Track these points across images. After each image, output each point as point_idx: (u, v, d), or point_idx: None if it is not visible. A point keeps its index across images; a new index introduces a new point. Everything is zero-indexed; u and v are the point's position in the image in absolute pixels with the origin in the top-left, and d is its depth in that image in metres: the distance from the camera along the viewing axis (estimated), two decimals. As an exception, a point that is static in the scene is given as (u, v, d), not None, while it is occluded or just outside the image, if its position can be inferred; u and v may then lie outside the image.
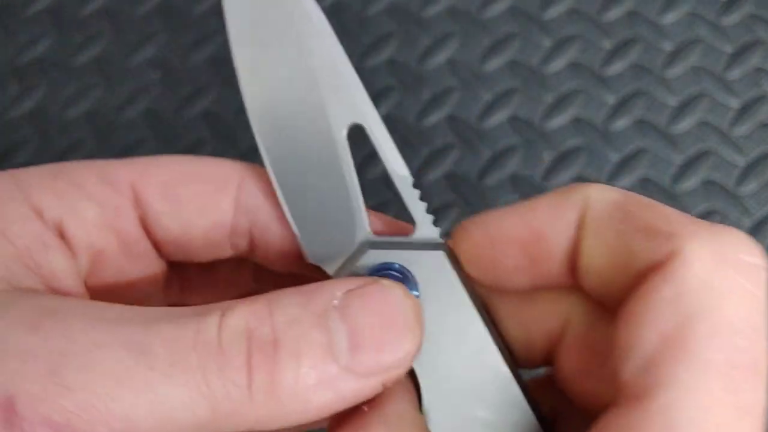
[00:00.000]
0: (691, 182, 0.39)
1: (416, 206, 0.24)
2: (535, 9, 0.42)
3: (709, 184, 0.39)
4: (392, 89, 0.41)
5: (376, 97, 0.41)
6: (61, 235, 0.23)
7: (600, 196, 0.21)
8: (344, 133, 0.24)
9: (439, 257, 0.23)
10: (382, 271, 0.23)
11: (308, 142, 0.24)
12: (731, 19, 0.42)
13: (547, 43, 0.42)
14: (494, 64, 0.41)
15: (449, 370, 0.23)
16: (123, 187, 0.24)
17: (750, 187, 0.39)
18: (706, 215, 0.38)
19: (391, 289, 0.22)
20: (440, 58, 0.41)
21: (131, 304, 0.23)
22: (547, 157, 0.39)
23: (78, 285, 0.23)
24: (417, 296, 0.23)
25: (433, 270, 0.23)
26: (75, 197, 0.24)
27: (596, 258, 0.21)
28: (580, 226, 0.21)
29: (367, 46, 0.42)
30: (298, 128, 0.24)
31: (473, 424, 0.23)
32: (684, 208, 0.38)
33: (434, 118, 0.40)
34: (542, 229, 0.21)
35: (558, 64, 0.41)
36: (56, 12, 0.43)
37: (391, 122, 0.40)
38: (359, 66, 0.41)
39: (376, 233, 0.25)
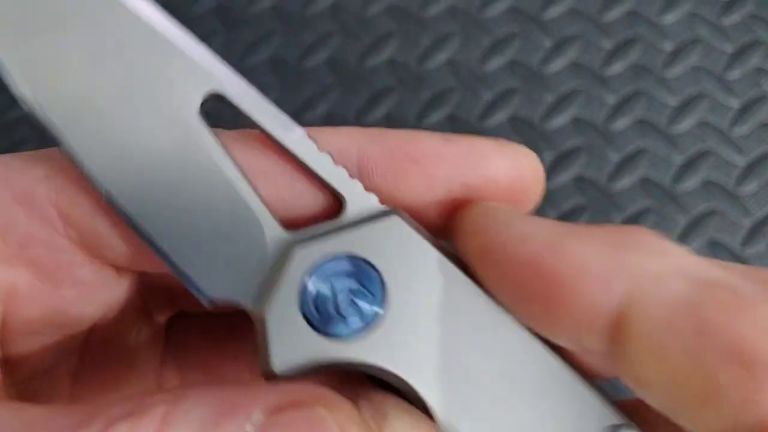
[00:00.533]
0: (691, 182, 0.39)
1: (333, 174, 0.19)
2: (535, 9, 0.42)
3: (709, 184, 0.39)
4: (392, 89, 0.41)
5: (377, 97, 0.41)
6: None
7: (654, 288, 0.14)
8: (196, 110, 0.18)
9: (396, 226, 0.18)
10: (329, 273, 0.18)
11: (147, 143, 0.18)
12: (731, 19, 0.42)
13: (547, 43, 0.42)
14: (494, 64, 0.41)
15: (468, 366, 0.18)
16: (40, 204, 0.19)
17: (750, 187, 0.39)
18: (706, 215, 0.38)
19: (327, 422, 0.16)
20: (440, 58, 0.41)
21: (108, 341, 0.20)
22: (547, 156, 0.39)
23: None
24: (378, 306, 0.18)
25: (392, 247, 0.18)
26: None
27: (652, 376, 0.15)
28: (621, 329, 0.15)
29: (367, 46, 0.42)
30: (127, 131, 0.18)
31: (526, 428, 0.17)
32: (684, 208, 0.39)
33: (434, 118, 0.40)
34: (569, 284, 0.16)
35: (558, 64, 0.41)
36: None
37: (391, 122, 0.40)
38: (360, 66, 0.41)
39: (292, 227, 0.19)
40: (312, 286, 0.18)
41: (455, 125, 0.40)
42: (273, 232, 0.18)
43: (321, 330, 0.18)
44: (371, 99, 0.40)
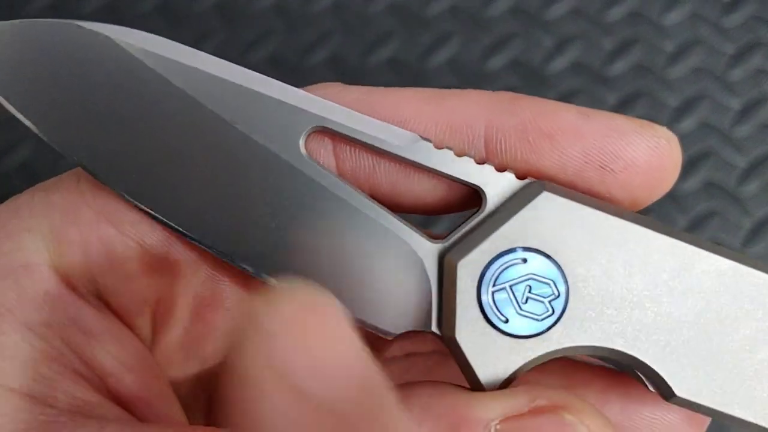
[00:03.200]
0: (691, 183, 0.39)
1: (460, 169, 0.18)
2: (536, 8, 0.42)
3: (709, 185, 0.39)
4: (393, 88, 0.41)
5: (377, 96, 0.41)
6: (102, 299, 0.19)
7: None
8: (300, 151, 0.19)
9: (544, 201, 0.17)
10: (498, 275, 0.17)
11: (266, 205, 0.18)
12: (733, 19, 0.42)
13: (548, 42, 0.42)
14: (496, 63, 0.41)
15: (672, 313, 0.17)
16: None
17: (751, 187, 0.39)
18: (707, 216, 0.38)
19: (578, 428, 0.15)
20: (441, 57, 0.41)
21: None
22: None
23: (139, 369, 0.19)
24: (558, 288, 0.17)
25: (549, 223, 0.17)
26: (106, 242, 0.19)
27: None
28: None
29: (368, 45, 0.42)
30: (242, 200, 0.18)
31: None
32: (685, 209, 0.39)
33: (435, 117, 0.40)
34: None
35: (559, 63, 0.41)
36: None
37: (392, 121, 0.40)
38: (360, 65, 0.41)
39: (439, 238, 0.18)
40: (487, 295, 0.18)
41: (456, 124, 0.40)
42: (424, 248, 0.18)
43: (513, 334, 0.17)
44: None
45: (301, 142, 0.18)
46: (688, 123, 0.40)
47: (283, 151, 0.18)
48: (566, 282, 0.18)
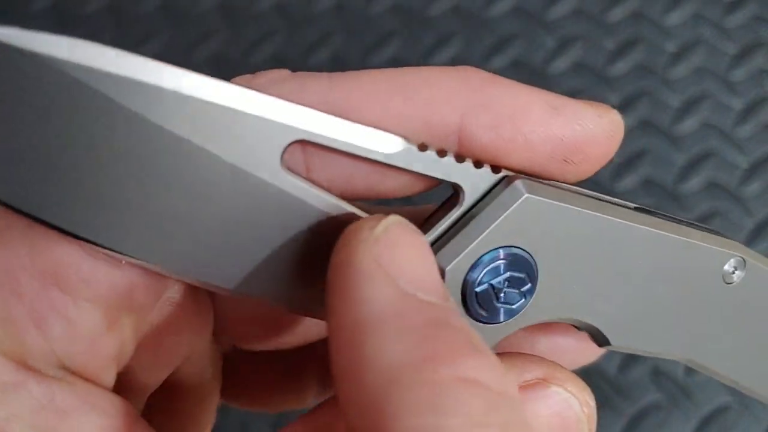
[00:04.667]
0: (693, 183, 0.39)
1: (442, 168, 0.18)
2: (538, 9, 0.42)
3: (711, 185, 0.39)
4: (395, 88, 0.41)
5: (379, 96, 0.41)
6: (65, 368, 0.18)
7: None
8: (280, 164, 0.17)
9: (526, 201, 0.19)
10: (481, 271, 0.19)
11: (248, 229, 0.17)
12: (735, 20, 0.42)
13: (550, 42, 0.42)
14: (497, 63, 0.41)
15: (619, 287, 0.20)
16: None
17: (753, 187, 0.39)
18: (709, 216, 0.38)
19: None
20: (443, 57, 0.41)
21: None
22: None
23: (122, 424, 0.18)
24: (533, 278, 0.19)
25: (521, 218, 0.19)
26: (61, 312, 0.17)
27: None
28: None
29: (370, 45, 0.42)
30: (224, 225, 0.17)
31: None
32: (686, 209, 0.39)
33: (437, 117, 0.40)
34: None
35: (561, 63, 0.41)
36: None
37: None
38: (363, 64, 0.41)
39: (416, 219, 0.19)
40: (471, 296, 0.19)
41: (458, 124, 0.40)
42: None
43: (491, 322, 0.19)
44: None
45: (279, 158, 0.17)
46: (690, 123, 0.40)
47: (260, 168, 0.17)
48: (537, 270, 0.19)
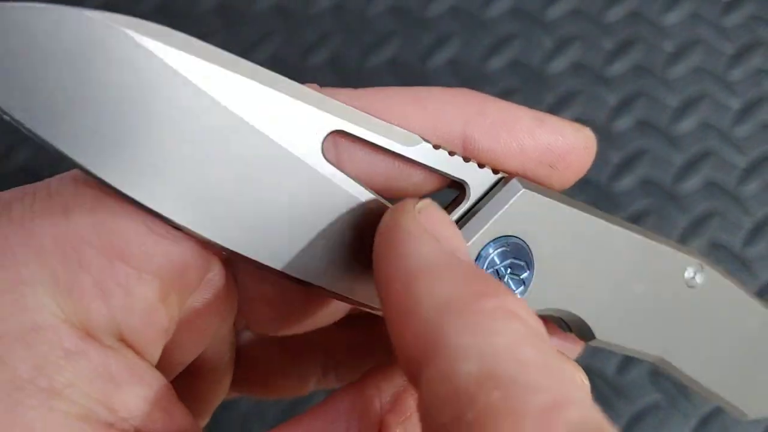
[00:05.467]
0: (692, 182, 0.39)
1: (452, 166, 0.21)
2: (536, 9, 0.42)
3: (710, 185, 0.39)
4: (393, 89, 0.41)
5: (378, 97, 0.41)
6: (122, 339, 0.19)
7: None
8: (319, 155, 0.19)
9: (515, 192, 0.21)
10: (487, 258, 0.21)
11: (289, 211, 0.19)
12: (732, 19, 0.42)
13: (548, 43, 0.42)
14: (496, 63, 0.41)
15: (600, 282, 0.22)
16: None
17: (751, 187, 0.39)
18: (707, 216, 0.38)
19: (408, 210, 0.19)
20: (442, 57, 0.41)
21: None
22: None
23: (164, 401, 0.19)
24: (531, 268, 0.22)
25: (522, 212, 0.21)
26: (124, 284, 0.19)
27: None
28: None
29: (368, 46, 0.42)
30: (264, 204, 0.19)
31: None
32: (685, 209, 0.39)
33: (435, 117, 0.40)
34: None
35: (559, 64, 0.41)
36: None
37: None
38: (361, 65, 0.41)
39: None
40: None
41: (456, 125, 0.40)
42: None
43: None
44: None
45: (320, 146, 0.19)
46: (688, 123, 0.40)
47: (304, 153, 0.19)
48: (533, 260, 0.22)
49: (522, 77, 0.41)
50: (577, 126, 0.23)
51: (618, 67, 0.41)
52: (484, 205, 0.21)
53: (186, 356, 0.22)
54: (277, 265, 0.19)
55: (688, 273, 0.24)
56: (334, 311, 0.24)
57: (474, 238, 0.21)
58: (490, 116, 0.22)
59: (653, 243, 0.23)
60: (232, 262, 0.21)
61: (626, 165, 0.39)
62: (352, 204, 0.20)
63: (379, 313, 0.20)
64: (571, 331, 0.24)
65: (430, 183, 0.22)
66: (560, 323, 0.24)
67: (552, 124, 0.22)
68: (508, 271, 0.21)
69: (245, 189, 0.19)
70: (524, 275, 0.21)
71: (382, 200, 0.21)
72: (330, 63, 0.41)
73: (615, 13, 0.42)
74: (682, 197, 0.39)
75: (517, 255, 0.21)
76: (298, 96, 0.19)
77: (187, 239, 0.19)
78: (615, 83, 0.41)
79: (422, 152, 0.21)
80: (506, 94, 0.41)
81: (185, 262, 0.19)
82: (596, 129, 0.40)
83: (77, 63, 0.17)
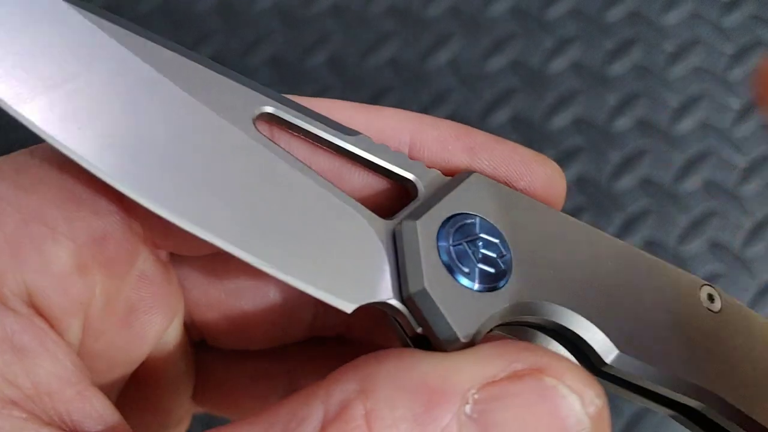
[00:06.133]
0: (691, 182, 0.39)
1: (396, 160, 0.20)
2: (536, 9, 0.42)
3: (710, 185, 0.39)
4: (393, 89, 0.41)
5: (378, 97, 0.41)
6: (32, 306, 0.18)
7: None
8: (251, 126, 0.18)
9: (479, 180, 0.19)
10: (452, 233, 0.18)
11: (216, 172, 0.18)
12: (732, 19, 0.42)
13: (548, 43, 0.42)
14: (495, 63, 0.41)
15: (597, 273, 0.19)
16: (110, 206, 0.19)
17: (751, 187, 0.39)
18: (707, 216, 0.38)
19: (560, 391, 0.14)
20: (441, 57, 0.41)
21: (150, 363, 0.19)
22: (548, 156, 0.39)
23: (76, 381, 0.17)
24: (507, 249, 0.19)
25: (486, 198, 0.19)
26: (37, 242, 0.18)
27: None
28: None
29: (368, 46, 0.42)
30: (191, 166, 0.18)
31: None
32: (684, 209, 0.39)
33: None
34: None
35: (559, 64, 0.41)
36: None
37: (392, 122, 0.40)
38: (360, 65, 0.41)
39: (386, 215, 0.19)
40: (448, 251, 0.18)
41: (456, 125, 0.40)
42: (375, 223, 0.18)
43: (475, 288, 0.18)
44: (372, 98, 0.40)
45: (252, 121, 0.18)
46: (688, 123, 0.40)
47: (236, 122, 0.18)
48: (508, 244, 0.19)
49: (522, 77, 0.41)
50: (542, 158, 0.21)
51: (618, 67, 0.41)
52: (437, 194, 0.19)
53: (128, 356, 0.21)
54: (196, 224, 0.18)
55: (703, 295, 0.21)
56: (294, 328, 0.23)
57: (431, 210, 0.18)
58: (441, 127, 0.20)
59: (659, 261, 0.21)
60: (175, 262, 0.21)
61: (626, 165, 0.39)
62: (287, 172, 0.18)
63: (293, 284, 0.18)
64: (575, 356, 0.20)
65: (374, 185, 0.20)
66: (565, 344, 0.20)
67: (509, 144, 0.20)
68: (481, 245, 0.18)
69: (172, 147, 0.18)
70: (502, 255, 0.19)
71: (318, 176, 0.19)
72: (330, 63, 0.41)
73: (615, 13, 0.42)
74: (682, 197, 0.39)
75: (487, 231, 0.19)
76: (227, 74, 0.19)
77: (111, 213, 0.18)
78: (615, 83, 0.41)
79: (363, 144, 0.19)
80: (506, 94, 0.41)
81: (105, 233, 0.18)
82: (596, 129, 0.40)
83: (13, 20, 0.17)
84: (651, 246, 0.38)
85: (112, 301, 0.19)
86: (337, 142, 0.19)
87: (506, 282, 0.18)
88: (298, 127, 0.19)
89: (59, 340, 0.18)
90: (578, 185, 0.39)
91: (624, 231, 0.38)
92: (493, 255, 0.19)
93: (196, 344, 0.24)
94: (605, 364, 0.19)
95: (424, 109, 0.40)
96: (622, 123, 0.40)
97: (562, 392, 0.15)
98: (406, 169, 0.19)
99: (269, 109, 0.19)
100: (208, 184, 0.18)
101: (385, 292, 0.18)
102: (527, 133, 0.40)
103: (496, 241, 0.19)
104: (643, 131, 0.40)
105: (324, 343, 0.24)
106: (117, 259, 0.19)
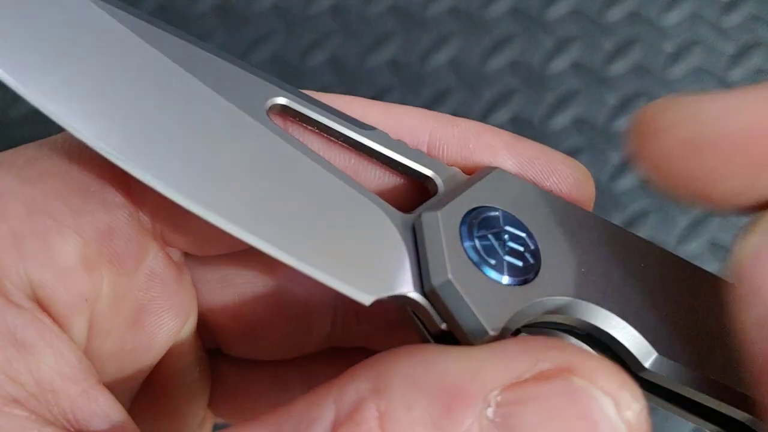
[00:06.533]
0: (692, 183, 0.39)
1: (415, 157, 0.19)
2: (536, 9, 0.42)
3: (710, 185, 0.39)
4: (393, 89, 0.41)
5: (377, 97, 0.41)
6: (36, 300, 0.17)
7: None
8: (264, 115, 0.18)
9: (502, 176, 0.18)
10: (477, 225, 0.17)
11: (231, 162, 0.17)
12: (732, 19, 0.42)
13: (548, 43, 0.42)
14: (495, 64, 0.41)
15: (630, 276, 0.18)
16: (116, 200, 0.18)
17: (751, 187, 0.39)
18: (707, 216, 0.38)
19: (591, 393, 0.13)
20: (441, 58, 0.41)
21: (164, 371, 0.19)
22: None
23: (82, 379, 0.17)
24: (534, 243, 0.18)
25: (509, 193, 0.18)
26: (41, 235, 0.17)
27: None
28: None
29: (368, 46, 0.42)
30: (205, 153, 0.17)
31: None
32: (685, 208, 0.39)
33: (435, 117, 0.40)
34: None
35: (559, 64, 0.41)
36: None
37: (392, 122, 0.40)
38: (360, 65, 0.41)
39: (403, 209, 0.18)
40: (472, 241, 0.17)
41: (456, 125, 0.40)
42: (393, 215, 0.18)
43: (502, 282, 0.17)
44: (372, 98, 0.40)
45: (265, 111, 0.18)
46: (688, 123, 0.40)
47: (250, 112, 0.18)
48: (535, 238, 0.18)
49: (522, 77, 0.41)
50: (569, 160, 0.20)
51: (618, 67, 0.41)
52: (460, 188, 0.18)
53: (139, 358, 0.20)
54: (208, 209, 0.17)
55: None
56: (312, 337, 0.22)
57: (453, 201, 0.18)
58: (461, 125, 0.19)
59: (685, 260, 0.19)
60: (189, 264, 0.20)
61: (626, 165, 0.39)
62: (302, 164, 0.18)
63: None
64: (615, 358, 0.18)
65: (391, 181, 0.19)
66: (601, 348, 0.18)
67: (534, 144, 0.20)
68: (507, 237, 0.18)
69: (184, 130, 0.17)
70: (529, 248, 0.18)
71: (333, 166, 0.18)
72: (330, 63, 0.41)
73: (615, 13, 0.42)
74: (682, 197, 0.39)
75: (513, 224, 0.18)
76: (239, 65, 0.19)
77: (119, 207, 0.18)
78: (615, 83, 0.41)
79: (380, 139, 0.19)
80: (506, 95, 0.41)
81: (112, 227, 0.18)
82: (596, 129, 0.40)
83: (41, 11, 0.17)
84: (651, 246, 0.38)
85: (120, 299, 0.19)
86: (352, 136, 0.19)
87: (535, 276, 0.17)
88: (313, 119, 0.19)
89: (63, 336, 0.17)
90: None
91: (624, 231, 0.38)
92: (521, 248, 0.18)
93: (211, 352, 0.24)
94: (644, 368, 0.17)
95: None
96: (622, 123, 0.40)
97: (593, 394, 0.13)
98: (425, 166, 0.19)
99: (282, 101, 0.18)
100: (220, 168, 0.17)
101: (405, 285, 0.17)
102: (527, 133, 0.40)
103: (523, 234, 0.18)
104: (643, 131, 0.40)
105: (344, 353, 0.23)
106: (125, 254, 0.18)
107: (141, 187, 0.17)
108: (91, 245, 0.18)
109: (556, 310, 0.18)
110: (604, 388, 0.14)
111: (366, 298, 0.17)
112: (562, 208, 0.19)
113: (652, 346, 0.17)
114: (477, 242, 0.17)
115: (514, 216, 0.18)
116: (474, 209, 0.18)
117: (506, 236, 0.18)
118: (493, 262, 0.17)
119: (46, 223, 0.17)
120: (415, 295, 0.17)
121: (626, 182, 0.39)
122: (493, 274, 0.17)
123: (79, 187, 0.18)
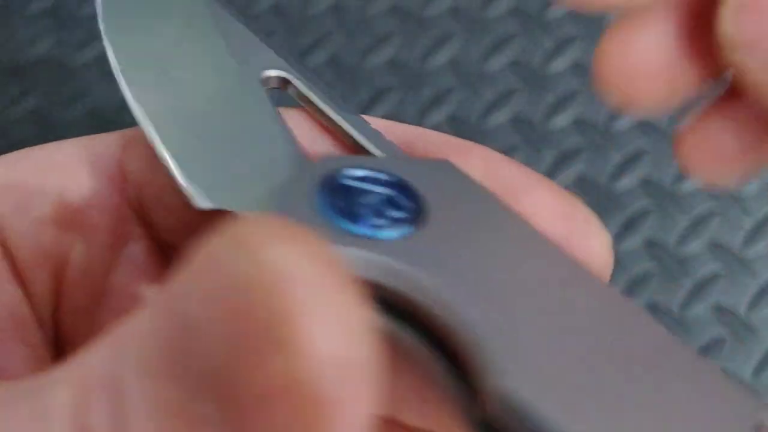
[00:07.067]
0: (692, 182, 0.39)
1: (386, 148, 0.18)
2: (536, 9, 0.42)
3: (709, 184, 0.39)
4: (393, 89, 0.41)
5: (377, 97, 0.41)
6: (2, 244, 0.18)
7: None
8: (257, 79, 0.19)
9: (446, 167, 0.17)
10: (363, 176, 0.16)
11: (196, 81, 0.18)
12: (732, 19, 0.42)
13: (548, 43, 0.42)
14: (495, 64, 0.41)
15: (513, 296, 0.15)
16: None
17: (751, 187, 0.39)
18: (707, 216, 0.38)
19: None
20: (441, 58, 0.41)
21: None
22: (548, 156, 0.39)
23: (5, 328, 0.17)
24: (412, 218, 0.16)
25: (438, 180, 0.16)
26: (22, 185, 0.18)
27: None
28: None
29: (367, 46, 0.42)
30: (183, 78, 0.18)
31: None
32: (685, 208, 0.39)
33: (435, 118, 0.40)
34: None
35: (560, 64, 0.41)
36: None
37: (392, 122, 0.40)
38: (360, 65, 0.41)
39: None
40: (340, 179, 0.16)
41: (456, 125, 0.40)
42: (295, 156, 0.17)
43: (352, 231, 0.15)
44: (372, 99, 0.40)
45: (258, 78, 0.19)
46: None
47: (243, 73, 0.19)
48: (423, 221, 0.16)
49: (522, 77, 0.41)
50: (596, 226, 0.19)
51: (618, 67, 0.41)
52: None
53: None
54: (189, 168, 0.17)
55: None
56: None
57: (351, 157, 0.17)
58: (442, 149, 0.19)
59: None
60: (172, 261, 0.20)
61: (626, 165, 0.39)
62: (251, 102, 0.18)
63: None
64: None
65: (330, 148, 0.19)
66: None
67: (514, 167, 0.19)
68: (382, 199, 0.16)
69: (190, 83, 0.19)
70: (402, 215, 0.15)
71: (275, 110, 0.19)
72: (329, 63, 0.41)
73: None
74: (682, 197, 0.39)
75: (404, 192, 0.16)
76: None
77: (108, 180, 0.18)
78: (615, 83, 0.41)
79: (357, 122, 0.19)
80: (506, 95, 0.41)
81: (94, 198, 0.18)
82: (596, 129, 0.40)
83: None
84: (651, 246, 0.38)
85: (91, 275, 0.19)
86: (333, 116, 0.19)
87: (391, 241, 0.15)
88: (306, 95, 0.20)
89: (12, 281, 0.17)
90: (578, 185, 0.39)
91: (624, 231, 0.38)
92: (391, 213, 0.16)
93: None
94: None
95: (424, 109, 0.40)
96: (623, 123, 0.40)
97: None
98: (369, 141, 0.18)
99: (282, 74, 0.20)
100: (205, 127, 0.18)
101: (248, 204, 0.16)
102: (527, 133, 0.40)
103: (406, 205, 0.16)
104: (643, 131, 0.40)
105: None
106: (100, 228, 0.18)
107: (139, 171, 0.18)
108: (68, 207, 0.18)
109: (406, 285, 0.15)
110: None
111: (203, 203, 0.16)
112: (489, 211, 0.17)
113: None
114: (345, 182, 0.16)
115: (412, 188, 0.16)
116: (372, 170, 0.16)
117: (382, 198, 0.16)
118: (342, 204, 0.16)
119: (32, 179, 0.18)
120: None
121: (626, 182, 0.39)
122: (335, 217, 0.15)
123: (81, 154, 0.18)
